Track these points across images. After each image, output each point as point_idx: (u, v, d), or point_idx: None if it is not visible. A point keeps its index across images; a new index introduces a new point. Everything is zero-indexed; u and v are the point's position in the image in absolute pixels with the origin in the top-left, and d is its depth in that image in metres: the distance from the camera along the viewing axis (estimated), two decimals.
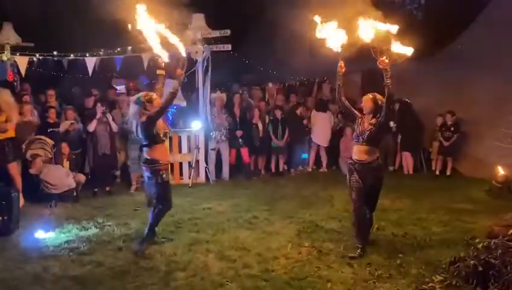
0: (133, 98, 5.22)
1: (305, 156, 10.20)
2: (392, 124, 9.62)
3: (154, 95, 5.10)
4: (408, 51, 4.52)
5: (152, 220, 5.18)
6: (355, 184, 4.89)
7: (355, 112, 5.14)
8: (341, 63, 4.96)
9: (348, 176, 5.03)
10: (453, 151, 9.40)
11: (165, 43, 4.91)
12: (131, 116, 5.11)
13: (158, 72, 5.37)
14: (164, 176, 5.02)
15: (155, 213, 5.15)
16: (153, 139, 4.98)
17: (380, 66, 4.57)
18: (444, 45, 11.46)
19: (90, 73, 8.49)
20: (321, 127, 10.05)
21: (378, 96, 4.86)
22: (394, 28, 4.53)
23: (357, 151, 4.92)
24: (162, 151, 5.09)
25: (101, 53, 8.48)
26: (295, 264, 4.66)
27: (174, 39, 4.94)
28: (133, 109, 5.05)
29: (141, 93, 5.16)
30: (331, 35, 4.77)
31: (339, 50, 4.83)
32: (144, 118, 4.93)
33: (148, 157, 5.01)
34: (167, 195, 5.15)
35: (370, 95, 4.93)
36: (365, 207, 4.99)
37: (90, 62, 8.44)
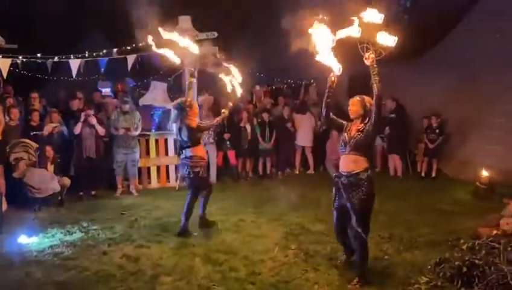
0: (174, 103, 6.05)
1: None
2: (387, 129, 9.71)
3: (192, 101, 5.99)
4: (392, 40, 4.02)
5: (202, 204, 5.95)
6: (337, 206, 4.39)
7: (344, 122, 4.54)
8: (333, 75, 4.33)
9: (333, 191, 4.48)
10: (438, 153, 9.50)
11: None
12: (172, 120, 6.14)
13: (189, 79, 6.24)
14: (203, 170, 5.84)
15: (204, 198, 5.92)
16: (197, 141, 5.81)
17: (366, 63, 4.14)
18: (430, 48, 11.60)
19: (74, 75, 8.38)
20: (302, 128, 10.13)
21: (367, 98, 4.36)
22: (379, 17, 4.02)
23: (344, 162, 4.30)
24: (202, 150, 5.97)
25: (86, 55, 8.37)
26: (282, 267, 4.65)
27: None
28: (174, 113, 5.96)
29: (181, 99, 5.94)
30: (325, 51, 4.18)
31: (338, 69, 4.23)
32: (193, 125, 5.75)
33: (192, 154, 5.77)
34: (207, 182, 6.06)
35: (357, 98, 4.39)
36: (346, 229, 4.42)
37: (75, 64, 8.34)
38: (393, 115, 9.74)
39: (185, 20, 8.61)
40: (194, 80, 6.31)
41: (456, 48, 10.33)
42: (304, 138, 10.12)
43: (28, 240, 5.44)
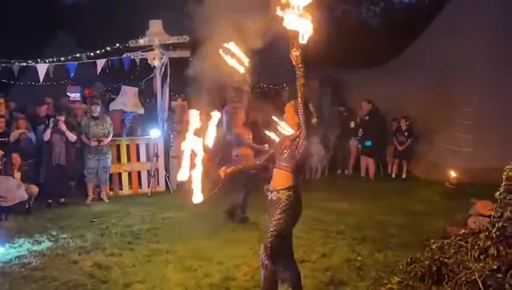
0: (227, 107, 6.46)
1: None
2: (352, 124, 9.87)
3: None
4: (306, 25, 3.34)
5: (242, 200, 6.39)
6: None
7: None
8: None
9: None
10: (408, 155, 9.72)
11: None
12: (225, 123, 6.43)
13: (245, 88, 6.37)
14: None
15: (244, 194, 6.35)
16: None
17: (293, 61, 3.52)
18: (398, 52, 11.88)
19: (41, 79, 8.17)
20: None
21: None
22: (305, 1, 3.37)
23: (273, 176, 3.76)
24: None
25: (54, 59, 8.18)
26: (257, 271, 4.62)
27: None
28: (226, 117, 6.42)
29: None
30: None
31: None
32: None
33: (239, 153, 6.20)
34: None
35: (292, 102, 3.73)
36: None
37: (42, 69, 8.13)
38: (367, 118, 9.90)
39: (156, 24, 8.53)
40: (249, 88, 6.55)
41: (425, 52, 10.62)
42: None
43: None
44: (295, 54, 3.44)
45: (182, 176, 3.76)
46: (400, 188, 8.78)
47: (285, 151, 3.64)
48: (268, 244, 3.57)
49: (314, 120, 3.70)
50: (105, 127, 8.00)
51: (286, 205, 3.58)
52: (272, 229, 3.58)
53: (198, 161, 3.75)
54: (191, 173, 3.76)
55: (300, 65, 3.47)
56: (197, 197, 3.79)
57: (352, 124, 10.02)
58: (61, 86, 9.98)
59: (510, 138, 8.38)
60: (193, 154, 3.74)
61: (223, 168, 4.06)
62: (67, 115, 7.90)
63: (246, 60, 4.46)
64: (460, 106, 9.33)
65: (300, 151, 3.54)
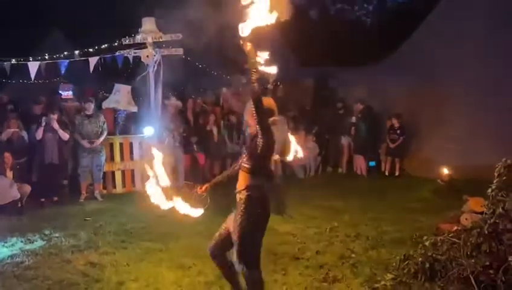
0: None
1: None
2: (354, 119, 9.91)
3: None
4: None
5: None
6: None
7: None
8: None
9: None
10: (400, 152, 9.77)
11: None
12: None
13: (268, 86, 6.25)
14: None
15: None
16: None
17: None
18: (392, 50, 11.92)
19: (32, 77, 8.09)
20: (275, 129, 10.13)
21: (268, 100, 3.61)
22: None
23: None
24: None
25: (46, 57, 8.10)
26: None
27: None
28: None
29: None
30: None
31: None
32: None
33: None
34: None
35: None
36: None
37: (33, 67, 8.06)
38: (359, 116, 9.95)
39: (149, 22, 8.49)
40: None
41: (417, 51, 10.66)
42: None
43: None
44: (249, 45, 3.24)
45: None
46: (393, 186, 8.82)
47: (245, 151, 3.53)
48: (237, 252, 3.41)
49: (275, 118, 3.49)
50: (99, 125, 7.95)
51: (245, 207, 3.41)
52: (236, 236, 3.42)
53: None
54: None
55: (252, 60, 3.28)
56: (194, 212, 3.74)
57: (353, 119, 10.04)
58: (54, 84, 9.93)
59: (502, 135, 8.44)
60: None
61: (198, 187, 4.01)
62: (59, 113, 7.85)
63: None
64: (451, 104, 9.38)
65: (259, 150, 3.36)
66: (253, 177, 3.44)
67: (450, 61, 9.55)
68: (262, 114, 3.30)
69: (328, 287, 4.21)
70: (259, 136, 3.33)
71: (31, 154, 7.77)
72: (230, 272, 3.66)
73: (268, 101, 3.55)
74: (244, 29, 3.17)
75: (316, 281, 4.32)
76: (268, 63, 3.60)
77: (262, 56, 3.71)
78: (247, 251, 3.41)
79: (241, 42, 3.20)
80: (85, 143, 7.78)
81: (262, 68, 3.51)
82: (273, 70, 4.39)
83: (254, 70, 3.25)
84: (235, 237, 3.42)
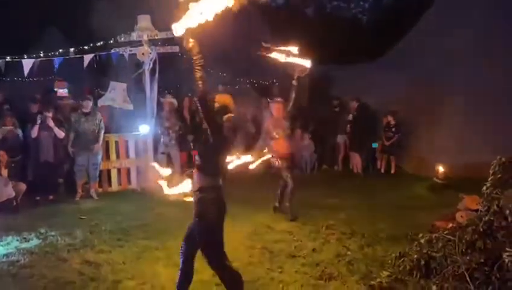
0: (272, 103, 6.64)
1: (374, 145, 10.12)
2: (350, 116, 9.92)
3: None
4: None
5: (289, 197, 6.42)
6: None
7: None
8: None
9: None
10: (395, 150, 9.80)
11: None
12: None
13: (293, 82, 6.13)
14: (277, 163, 6.32)
15: (289, 191, 6.40)
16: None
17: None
18: (388, 47, 11.95)
19: (25, 73, 8.03)
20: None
21: (223, 97, 3.66)
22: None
23: None
24: (276, 144, 6.31)
25: (41, 55, 8.06)
26: (247, 267, 4.65)
27: None
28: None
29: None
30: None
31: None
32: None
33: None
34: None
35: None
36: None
37: (27, 64, 8.01)
38: (354, 113, 9.97)
39: (144, 19, 8.45)
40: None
41: (413, 48, 10.69)
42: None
43: None
44: (188, 45, 3.25)
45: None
46: (389, 183, 8.84)
47: (199, 148, 3.53)
48: (203, 255, 3.47)
49: (230, 115, 3.49)
50: (96, 123, 7.93)
51: (199, 210, 3.41)
52: (197, 237, 3.45)
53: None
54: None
55: (195, 58, 3.27)
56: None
57: (350, 117, 10.05)
58: (49, 81, 9.88)
59: (497, 133, 8.48)
60: None
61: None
62: (54, 111, 7.82)
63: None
64: (447, 103, 9.41)
65: (208, 149, 3.41)
66: (206, 177, 3.42)
67: (446, 59, 9.59)
68: (208, 112, 3.32)
69: (324, 285, 4.22)
70: (209, 134, 3.35)
71: (25, 153, 7.74)
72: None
73: (223, 98, 3.59)
74: (178, 29, 3.16)
75: (312, 279, 4.33)
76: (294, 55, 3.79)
77: (292, 50, 3.83)
78: (210, 255, 3.44)
79: (183, 41, 3.20)
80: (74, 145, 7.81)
81: (295, 60, 3.67)
82: (307, 63, 4.39)
83: (197, 68, 3.26)
84: (196, 235, 3.46)
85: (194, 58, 3.26)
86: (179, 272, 3.68)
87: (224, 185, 3.50)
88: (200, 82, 3.27)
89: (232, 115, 3.52)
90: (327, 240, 5.45)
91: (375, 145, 10.09)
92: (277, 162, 6.33)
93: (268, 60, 5.68)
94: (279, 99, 6.55)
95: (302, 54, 5.55)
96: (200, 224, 3.41)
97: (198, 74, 3.26)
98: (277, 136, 6.35)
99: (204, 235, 3.43)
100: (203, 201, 3.40)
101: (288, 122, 6.47)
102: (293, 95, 6.22)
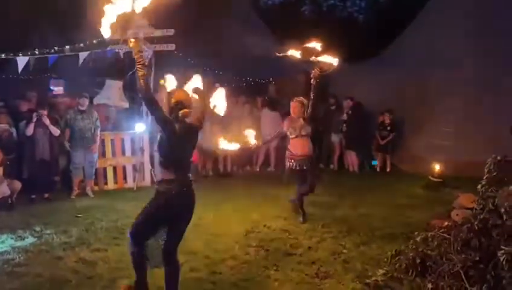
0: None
1: (374, 162, 10.16)
2: (345, 116, 9.93)
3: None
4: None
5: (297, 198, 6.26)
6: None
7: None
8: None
9: None
10: (390, 149, 9.83)
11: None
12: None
13: (312, 82, 5.87)
14: (290, 163, 6.09)
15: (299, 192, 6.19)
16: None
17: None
18: (384, 46, 11.95)
19: (19, 70, 7.96)
20: (270, 126, 10.13)
21: (179, 93, 3.71)
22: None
23: None
24: (291, 144, 6.12)
25: (36, 52, 7.99)
26: (243, 265, 4.66)
27: None
28: None
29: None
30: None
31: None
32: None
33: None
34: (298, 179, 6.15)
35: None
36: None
37: (22, 61, 7.95)
38: (349, 112, 9.99)
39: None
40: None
41: (408, 47, 10.71)
42: (270, 135, 10.09)
43: None
44: (130, 44, 3.38)
45: None
46: (385, 182, 8.88)
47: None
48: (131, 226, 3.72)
49: (185, 110, 3.58)
50: (92, 121, 7.90)
51: (153, 198, 3.64)
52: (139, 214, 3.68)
53: None
54: None
55: (137, 56, 3.38)
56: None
57: (345, 116, 10.06)
58: (44, 79, 9.82)
59: (492, 131, 8.52)
60: None
61: None
62: (49, 109, 7.77)
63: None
64: (442, 101, 9.45)
65: (162, 144, 3.55)
66: (164, 171, 3.60)
67: (441, 58, 9.61)
68: (154, 109, 3.45)
69: (320, 283, 4.23)
70: (160, 129, 3.53)
71: (20, 151, 7.69)
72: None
73: (179, 94, 3.67)
74: (105, 30, 3.30)
75: (308, 277, 4.35)
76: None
77: (316, 46, 3.88)
78: (137, 228, 3.66)
79: (122, 40, 3.34)
80: (71, 142, 7.77)
81: (322, 59, 3.72)
82: (334, 61, 4.35)
83: (139, 66, 3.35)
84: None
85: (136, 57, 3.36)
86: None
87: (186, 178, 3.67)
88: (142, 80, 3.35)
89: (189, 110, 3.62)
90: (323, 238, 5.46)
91: (374, 163, 10.17)
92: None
93: (287, 59, 5.51)
94: (300, 98, 6.19)
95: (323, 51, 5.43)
96: (145, 207, 3.67)
97: (140, 73, 3.35)
98: (291, 136, 6.09)
99: (141, 215, 3.68)
100: (156, 193, 3.63)
101: (307, 124, 6.06)
102: (312, 97, 5.86)
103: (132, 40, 3.33)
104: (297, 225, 5.98)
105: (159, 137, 3.63)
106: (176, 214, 3.65)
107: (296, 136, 6.02)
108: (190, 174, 3.75)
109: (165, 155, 3.59)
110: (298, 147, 6.04)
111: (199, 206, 7.27)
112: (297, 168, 6.02)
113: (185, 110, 3.59)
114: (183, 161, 3.69)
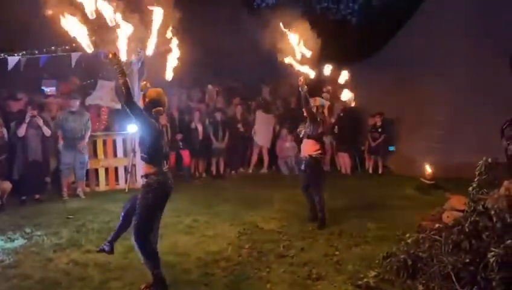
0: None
1: (391, 148, 10.08)
2: (336, 128, 9.96)
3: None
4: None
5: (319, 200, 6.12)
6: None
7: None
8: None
9: None
10: (381, 151, 9.87)
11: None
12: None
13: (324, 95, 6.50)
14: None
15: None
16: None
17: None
18: (377, 49, 12.02)
19: (9, 68, 7.88)
20: (264, 127, 10.15)
21: (154, 91, 3.97)
22: None
23: None
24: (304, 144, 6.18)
25: (29, 52, 7.92)
26: (235, 267, 4.65)
27: None
28: None
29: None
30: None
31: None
32: None
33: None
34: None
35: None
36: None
37: (12, 61, 7.87)
38: (341, 114, 10.03)
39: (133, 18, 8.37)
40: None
41: (400, 49, 10.78)
42: (264, 138, 10.12)
43: None
44: (108, 56, 3.65)
45: None
46: (377, 184, 8.91)
47: None
48: (134, 226, 3.90)
49: (159, 108, 3.89)
50: (83, 122, 7.85)
51: (143, 192, 3.87)
52: (137, 209, 3.86)
53: None
54: None
55: (116, 67, 3.64)
56: None
57: (332, 120, 10.09)
58: (37, 79, 9.72)
59: (483, 134, 8.57)
60: None
61: None
62: (39, 110, 7.70)
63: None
64: (433, 104, 9.51)
65: (142, 141, 3.87)
66: (149, 165, 3.89)
67: (433, 60, 9.69)
68: (135, 113, 3.73)
69: (312, 284, 4.24)
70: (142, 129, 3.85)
71: (10, 152, 7.61)
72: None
73: (152, 93, 3.93)
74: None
75: (300, 279, 4.35)
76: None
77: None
78: (140, 226, 3.84)
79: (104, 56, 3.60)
80: (62, 143, 7.71)
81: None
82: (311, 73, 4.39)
83: (119, 75, 3.65)
84: (136, 215, 3.88)
85: (115, 67, 3.64)
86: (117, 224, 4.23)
87: (166, 169, 3.96)
88: (124, 88, 3.65)
89: (161, 108, 3.92)
90: (315, 239, 5.47)
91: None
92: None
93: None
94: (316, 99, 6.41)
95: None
96: (141, 204, 3.84)
97: (121, 81, 3.66)
98: (300, 135, 6.28)
99: (141, 213, 3.84)
100: (146, 186, 3.86)
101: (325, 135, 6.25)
102: (304, 104, 6.01)
103: (111, 52, 3.61)
104: (289, 227, 5.98)
105: (139, 138, 3.95)
106: (165, 203, 3.98)
107: (306, 137, 6.20)
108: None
109: (149, 151, 3.85)
110: (305, 147, 6.18)
111: (192, 207, 7.30)
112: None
113: (158, 108, 3.90)
114: (164, 154, 3.98)
